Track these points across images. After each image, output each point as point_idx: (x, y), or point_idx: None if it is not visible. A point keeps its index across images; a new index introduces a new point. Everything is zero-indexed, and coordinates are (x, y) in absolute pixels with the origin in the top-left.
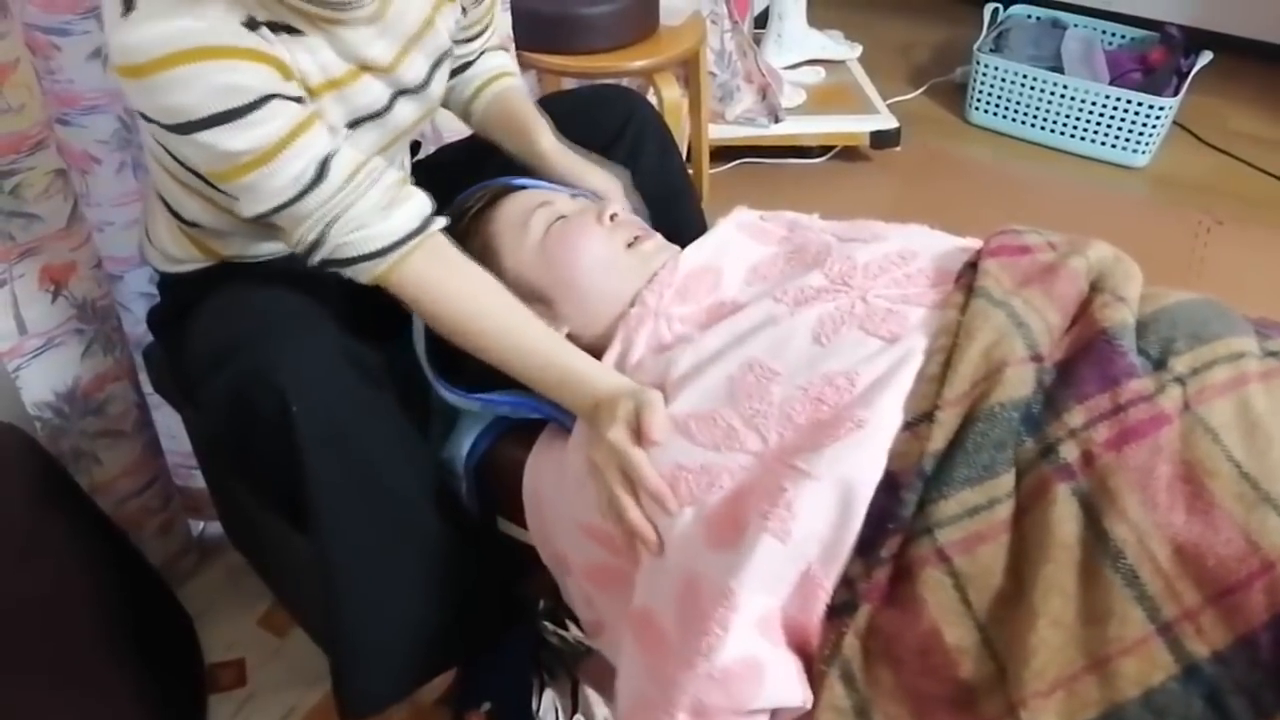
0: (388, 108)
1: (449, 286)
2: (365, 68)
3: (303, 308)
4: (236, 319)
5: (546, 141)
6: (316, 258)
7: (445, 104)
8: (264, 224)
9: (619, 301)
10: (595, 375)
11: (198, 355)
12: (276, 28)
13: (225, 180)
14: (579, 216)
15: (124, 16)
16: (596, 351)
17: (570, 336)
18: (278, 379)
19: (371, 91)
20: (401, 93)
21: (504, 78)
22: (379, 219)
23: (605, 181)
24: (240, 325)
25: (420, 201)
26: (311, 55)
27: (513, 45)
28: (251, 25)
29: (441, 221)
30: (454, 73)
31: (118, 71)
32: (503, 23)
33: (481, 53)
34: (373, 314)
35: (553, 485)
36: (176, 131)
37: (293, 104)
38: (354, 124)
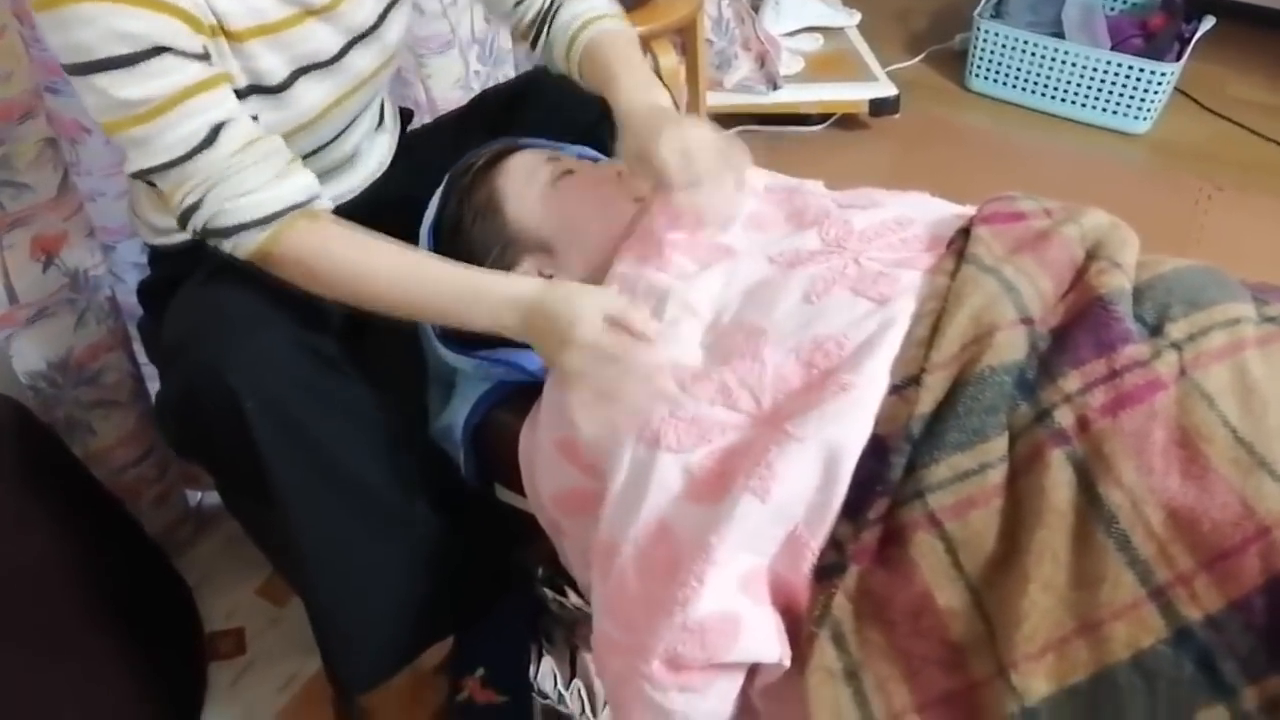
0: (338, 56)
1: (334, 250)
2: (309, 11)
3: (265, 299)
4: (192, 314)
5: (624, 100)
6: (195, 223)
7: (552, 68)
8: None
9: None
10: (516, 284)
11: (160, 349)
12: None
13: (117, 130)
14: (590, 171)
15: None
16: None
17: None
18: (230, 379)
19: (317, 37)
20: (356, 40)
21: (592, 24)
22: (262, 188)
23: (663, 165)
24: (195, 321)
25: (308, 180)
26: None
27: None
28: None
29: (327, 204)
30: (538, 26)
31: (31, 5)
32: None
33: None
34: None
35: (538, 437)
36: (75, 73)
37: (190, 61)
38: (300, 72)
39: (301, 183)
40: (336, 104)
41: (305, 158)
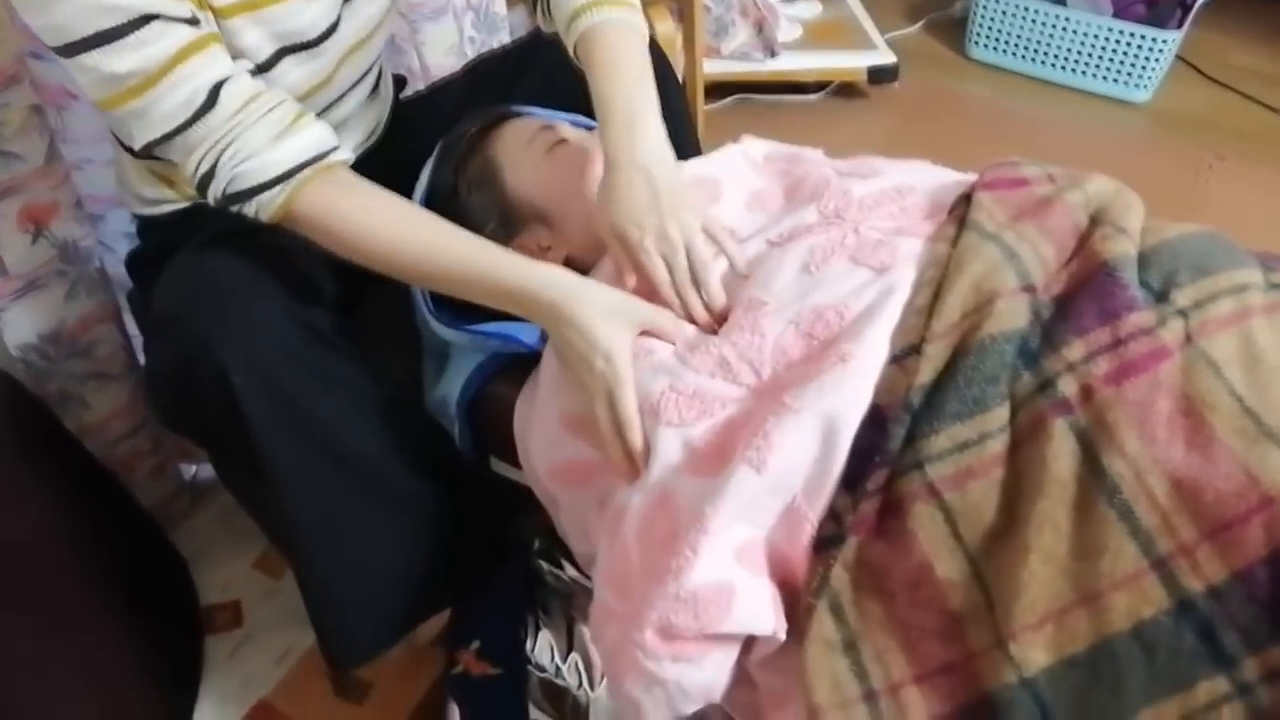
0: (325, 35)
1: (352, 209)
2: None
3: (257, 271)
4: (182, 287)
5: (609, 145)
6: (213, 192)
7: (548, 32)
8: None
9: None
10: (538, 278)
11: (148, 322)
12: None
13: (114, 106)
14: (583, 140)
15: None
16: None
17: (569, 259)
18: (220, 351)
19: (303, 14)
20: (340, 15)
21: (596, 8)
22: (271, 147)
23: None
24: (185, 294)
25: (319, 132)
26: None
27: None
28: None
29: (344, 154)
30: None
31: None
32: None
33: None
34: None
35: (536, 410)
36: (63, 54)
37: (179, 25)
38: (284, 52)
39: (311, 137)
40: (323, 84)
41: None
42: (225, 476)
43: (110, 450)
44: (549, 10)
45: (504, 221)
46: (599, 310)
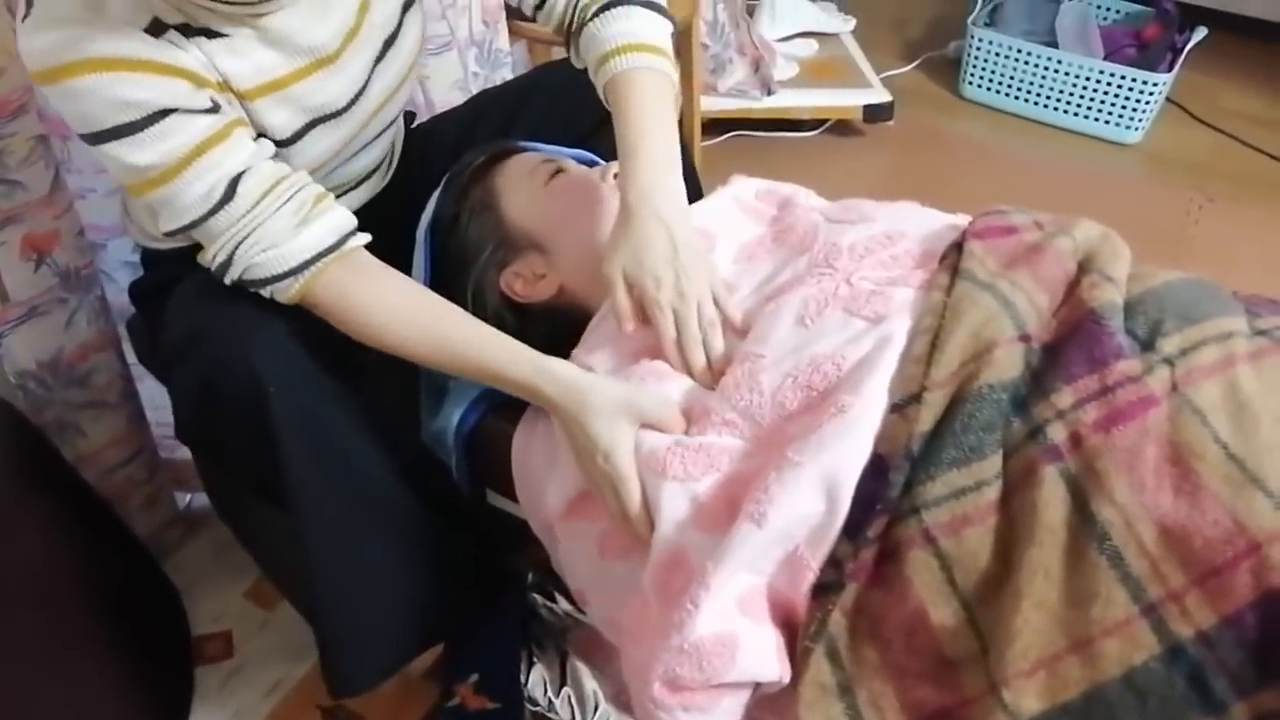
0: (356, 98)
1: (367, 298)
2: (318, 62)
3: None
4: (207, 303)
5: (631, 195)
6: (230, 278)
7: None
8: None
9: None
10: (542, 374)
11: (169, 338)
12: (190, 31)
13: (139, 194)
14: (582, 172)
15: (24, 20)
16: (587, 302)
17: (563, 287)
18: (252, 362)
19: (327, 89)
20: (364, 87)
21: (627, 53)
22: (289, 237)
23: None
24: (210, 310)
25: (337, 218)
26: (238, 57)
27: None
28: (157, 29)
29: (363, 238)
30: (577, 26)
31: (32, 78)
32: None
33: (599, 3)
34: None
35: (541, 457)
36: (88, 142)
37: (199, 117)
38: (312, 125)
39: (329, 225)
40: (349, 143)
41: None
42: (223, 505)
43: (106, 479)
44: (578, 48)
45: (500, 248)
46: (602, 409)
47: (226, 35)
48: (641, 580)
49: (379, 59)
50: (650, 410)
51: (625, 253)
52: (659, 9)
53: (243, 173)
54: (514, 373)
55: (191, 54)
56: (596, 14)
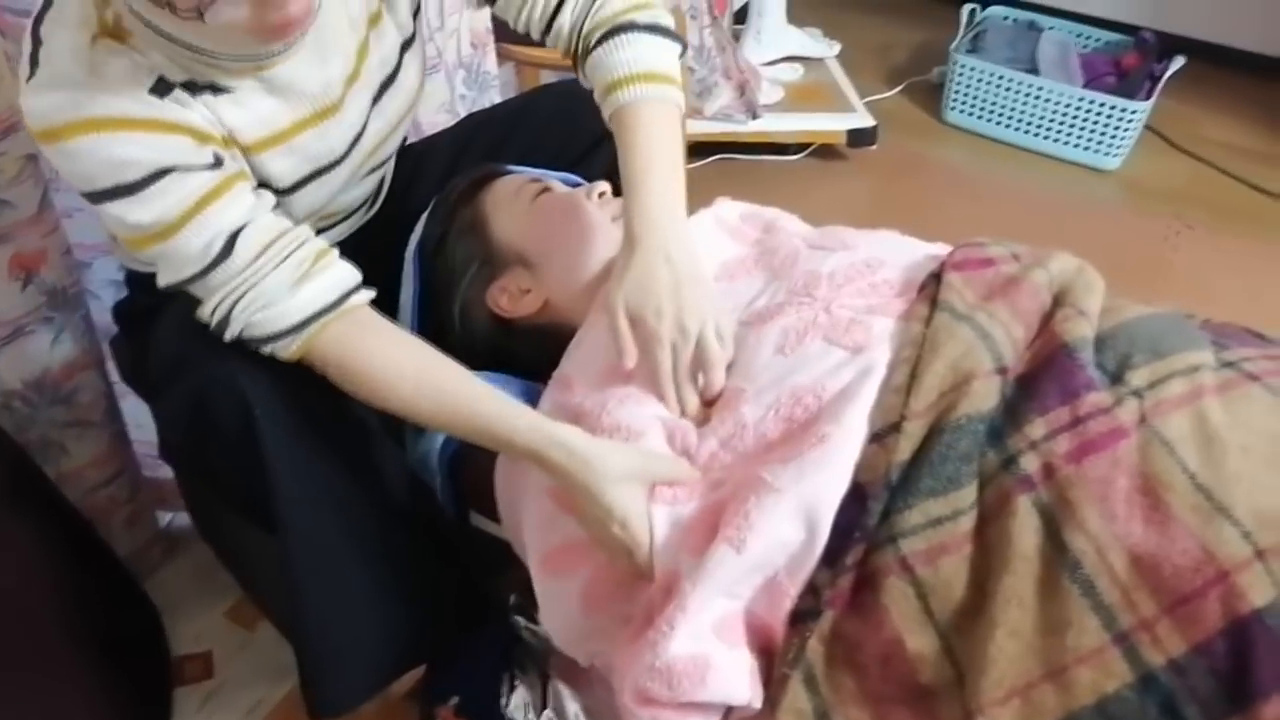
0: (353, 143)
1: (369, 357)
2: (319, 113)
3: None
4: (197, 326)
5: (635, 225)
6: (228, 335)
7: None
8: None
9: (599, 267)
10: (543, 438)
11: (158, 361)
12: (196, 88)
13: (139, 249)
14: (567, 191)
15: (29, 80)
16: (571, 318)
17: (548, 303)
18: (239, 384)
19: (328, 138)
20: (359, 135)
21: (636, 83)
22: (286, 295)
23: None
24: (200, 332)
25: (338, 275)
26: (243, 109)
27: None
28: (162, 89)
29: (365, 295)
30: (583, 51)
31: (34, 137)
32: None
33: (604, 29)
34: None
35: (523, 479)
36: (88, 200)
37: (198, 174)
38: (311, 177)
39: (329, 282)
40: (341, 189)
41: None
42: (205, 525)
43: (88, 498)
44: (585, 72)
45: (487, 264)
46: (613, 477)
47: (231, 90)
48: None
49: (375, 100)
50: (663, 473)
51: (628, 284)
52: (666, 31)
53: (241, 228)
54: (522, 440)
55: (197, 111)
56: (602, 40)
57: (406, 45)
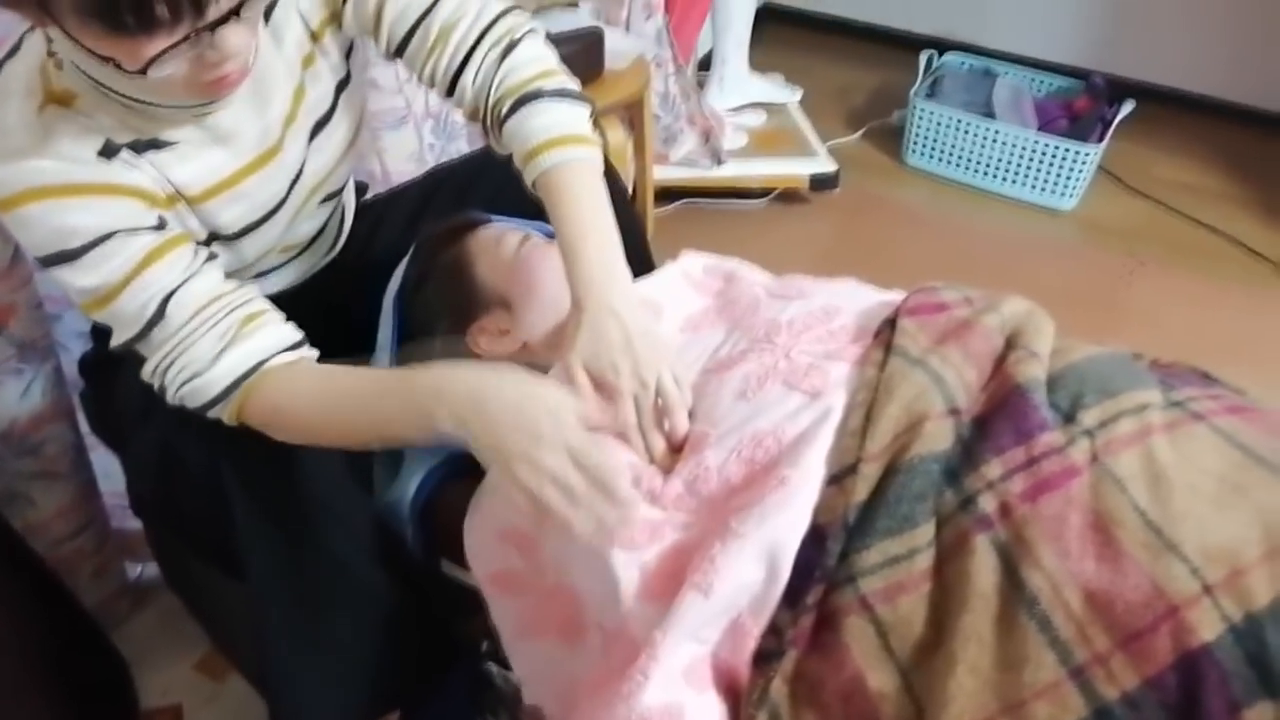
0: (293, 183)
1: (299, 407)
2: (264, 155)
3: None
4: None
5: (580, 289)
6: (169, 401)
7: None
8: None
9: None
10: (458, 370)
11: (126, 408)
12: (141, 146)
13: (88, 311)
14: (547, 242)
15: None
16: (548, 360)
17: (526, 345)
18: (206, 428)
19: (280, 176)
20: (298, 175)
21: (546, 150)
22: (208, 366)
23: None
24: None
25: (259, 342)
26: (188, 162)
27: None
28: (109, 151)
29: (284, 357)
30: (494, 121)
31: None
32: (545, 54)
33: (513, 98)
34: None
35: (484, 524)
36: (40, 265)
37: (142, 236)
38: (257, 224)
39: (251, 349)
40: (287, 227)
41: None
42: (173, 575)
43: (55, 550)
44: (500, 135)
45: (468, 305)
46: (533, 385)
47: (175, 144)
48: (566, 658)
49: (311, 138)
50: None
51: (582, 345)
52: (575, 96)
53: (174, 291)
54: (421, 385)
55: (144, 171)
56: (513, 109)
57: (341, 85)
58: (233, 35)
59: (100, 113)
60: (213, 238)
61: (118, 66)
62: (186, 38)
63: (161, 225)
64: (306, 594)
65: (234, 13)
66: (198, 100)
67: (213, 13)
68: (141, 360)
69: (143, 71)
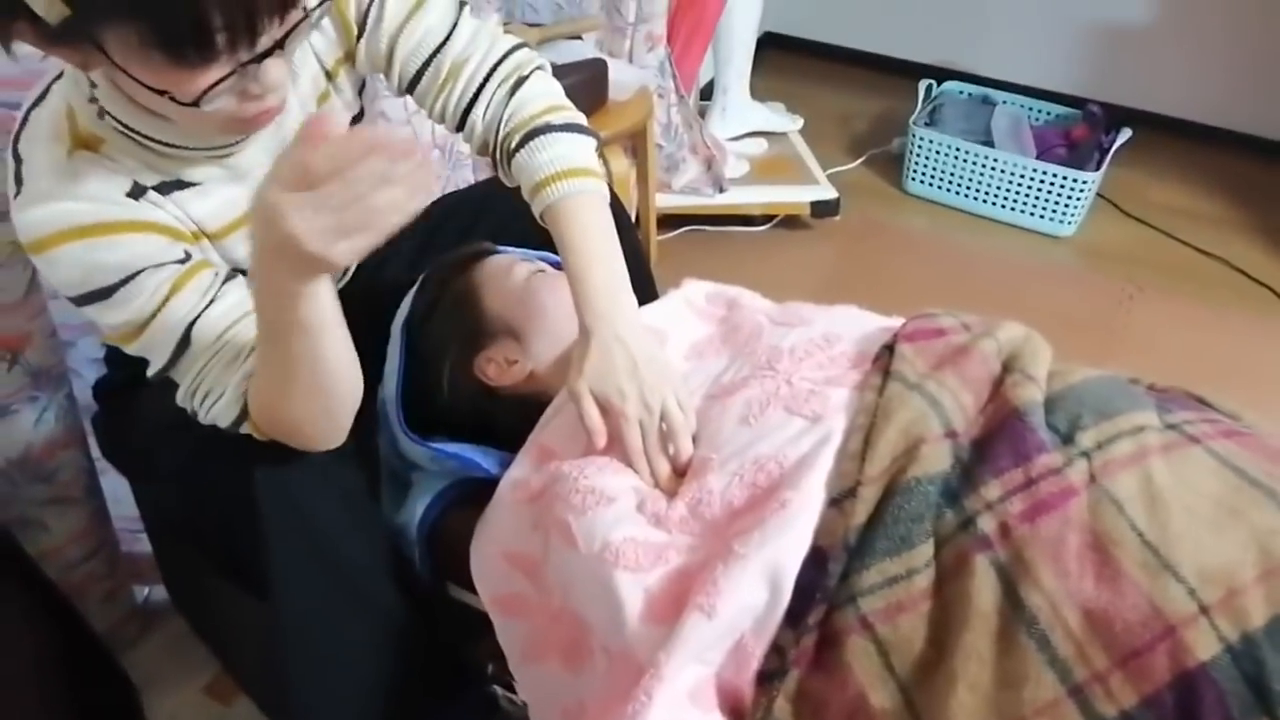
0: None
1: (268, 397)
2: None
3: None
4: None
5: (587, 317)
6: (201, 421)
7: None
8: None
9: None
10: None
11: (156, 423)
12: (166, 187)
13: (123, 344)
14: (559, 273)
15: (15, 198)
16: (555, 389)
17: (533, 374)
18: (240, 446)
19: None
20: None
21: (553, 183)
22: (229, 386)
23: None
24: None
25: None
26: (208, 198)
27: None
28: (137, 193)
29: None
30: (504, 155)
31: (26, 249)
32: (553, 89)
33: (522, 132)
34: None
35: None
36: (73, 303)
37: (166, 268)
38: None
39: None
40: None
41: None
42: (182, 597)
43: (67, 574)
44: (509, 168)
45: (477, 334)
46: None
47: (198, 183)
48: (572, 681)
49: None
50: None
51: (589, 372)
52: (581, 129)
53: (196, 318)
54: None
55: (168, 210)
56: (522, 143)
57: (355, 121)
58: (274, 68)
59: (126, 157)
60: (235, 272)
61: (171, 99)
62: (234, 70)
63: (187, 258)
64: (329, 614)
65: (279, 45)
66: (235, 135)
67: (263, 43)
68: (160, 382)
69: (196, 103)
